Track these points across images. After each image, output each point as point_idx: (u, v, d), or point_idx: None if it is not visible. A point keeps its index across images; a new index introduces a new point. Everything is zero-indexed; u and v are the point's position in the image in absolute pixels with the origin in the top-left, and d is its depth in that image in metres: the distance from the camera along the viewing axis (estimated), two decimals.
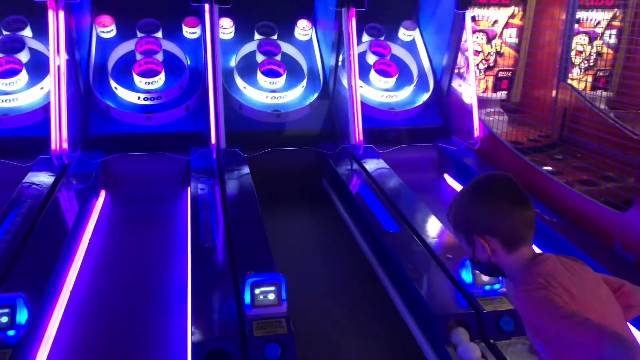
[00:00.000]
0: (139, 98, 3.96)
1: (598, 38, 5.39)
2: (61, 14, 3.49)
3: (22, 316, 1.95)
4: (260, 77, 4.25)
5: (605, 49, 5.48)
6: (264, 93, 4.21)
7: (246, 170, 3.54)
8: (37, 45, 3.98)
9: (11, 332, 1.91)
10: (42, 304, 2.16)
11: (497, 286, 2.31)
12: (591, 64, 5.47)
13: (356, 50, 4.03)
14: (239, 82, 4.23)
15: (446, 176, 4.18)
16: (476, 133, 4.16)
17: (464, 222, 1.48)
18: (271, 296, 2.07)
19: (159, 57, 4.15)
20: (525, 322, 1.36)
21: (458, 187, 4.00)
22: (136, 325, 2.44)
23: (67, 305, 2.46)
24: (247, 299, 2.06)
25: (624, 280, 1.56)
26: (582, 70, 5.44)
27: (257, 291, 2.06)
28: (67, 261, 2.64)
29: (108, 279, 2.77)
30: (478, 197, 1.45)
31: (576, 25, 4.98)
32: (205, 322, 2.07)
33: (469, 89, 4.31)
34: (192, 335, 1.99)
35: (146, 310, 2.52)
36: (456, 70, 4.52)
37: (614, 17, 5.38)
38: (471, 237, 1.45)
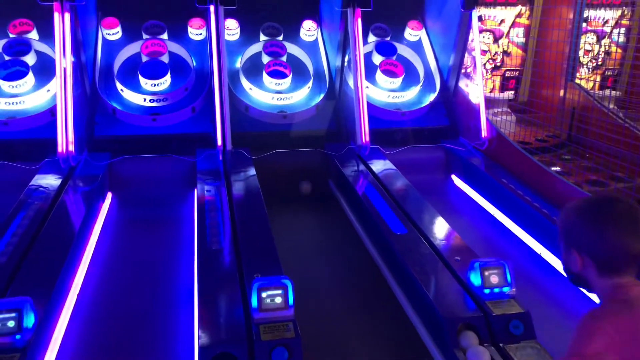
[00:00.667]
0: (145, 100, 3.96)
1: (606, 37, 5.35)
2: (67, 16, 3.49)
3: (29, 320, 1.94)
4: (266, 78, 4.24)
5: (613, 48, 5.44)
6: (270, 94, 4.20)
7: (252, 171, 3.53)
8: (43, 47, 3.99)
9: (18, 336, 1.90)
10: (49, 307, 2.16)
11: (506, 289, 2.28)
12: (599, 63, 5.43)
13: (362, 50, 4.01)
14: (245, 83, 4.22)
15: (453, 177, 4.15)
16: (484, 133, 4.13)
17: (568, 230, 1.52)
18: (278, 299, 2.05)
19: (165, 58, 4.14)
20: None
21: (465, 188, 3.97)
22: (143, 328, 2.43)
23: (74, 308, 2.46)
24: (254, 302, 2.05)
25: None
26: (590, 69, 5.40)
27: (264, 294, 2.05)
28: (74, 264, 2.64)
29: (115, 282, 2.77)
30: (592, 214, 1.48)
31: (584, 24, 4.94)
32: (212, 325, 2.06)
33: (476, 89, 4.28)
34: (199, 338, 1.98)
35: (153, 313, 2.52)
36: (463, 70, 4.49)
37: (622, 16, 5.34)
38: (569, 247, 1.51)
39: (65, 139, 3.43)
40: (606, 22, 5.23)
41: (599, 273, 1.46)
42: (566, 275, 1.59)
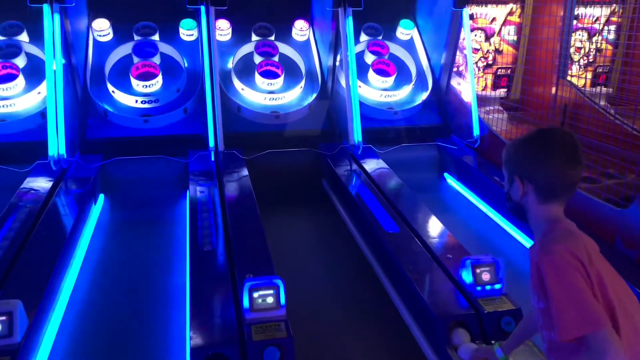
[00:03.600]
0: (136, 101, 3.95)
1: (597, 34, 5.37)
2: (57, 18, 3.48)
3: (20, 322, 1.93)
4: (258, 78, 4.23)
5: (604, 45, 5.46)
6: (262, 94, 4.20)
7: (245, 172, 3.53)
8: (33, 50, 3.98)
9: (9, 339, 1.89)
10: (40, 310, 2.15)
11: (497, 286, 2.29)
12: (590, 60, 5.45)
13: (354, 49, 4.01)
14: (237, 83, 4.22)
15: (446, 175, 4.16)
16: (476, 131, 4.15)
17: (510, 159, 1.58)
18: (270, 300, 2.05)
19: (156, 60, 4.13)
20: (533, 272, 1.48)
21: (458, 186, 3.98)
22: (135, 329, 2.43)
23: (65, 311, 2.45)
24: (246, 302, 2.05)
25: None
26: (582, 66, 5.42)
27: (255, 295, 2.05)
28: (65, 266, 2.63)
29: (107, 283, 2.77)
30: (533, 143, 1.53)
31: (575, 22, 4.95)
32: (204, 326, 2.06)
33: (468, 87, 4.29)
34: (191, 339, 1.98)
35: (145, 315, 2.51)
36: (455, 69, 4.50)
37: (612, 13, 5.36)
38: (511, 176, 1.57)
39: (56, 141, 3.42)
40: (597, 19, 5.25)
41: (539, 199, 1.52)
42: (507, 204, 1.65)
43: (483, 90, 5.26)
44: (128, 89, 3.99)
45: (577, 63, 5.38)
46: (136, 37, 4.28)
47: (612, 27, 5.40)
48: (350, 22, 3.96)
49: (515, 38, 5.27)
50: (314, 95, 4.31)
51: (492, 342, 2.04)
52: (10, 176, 3.34)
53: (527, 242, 3.14)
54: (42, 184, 3.25)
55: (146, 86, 3.98)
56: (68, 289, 2.57)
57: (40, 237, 2.67)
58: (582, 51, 5.39)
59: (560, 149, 1.49)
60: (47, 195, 3.13)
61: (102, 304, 2.60)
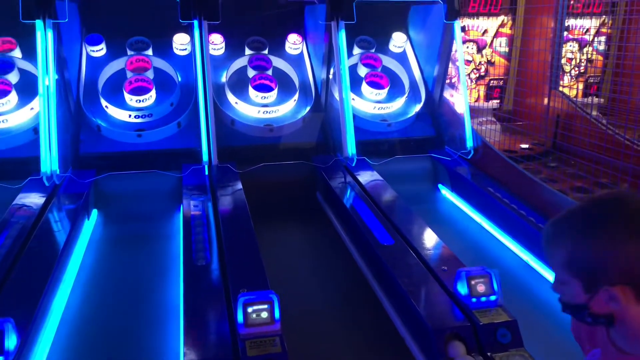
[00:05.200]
0: (130, 116, 3.94)
1: (588, 45, 5.43)
2: (50, 33, 3.48)
3: (10, 342, 1.91)
4: (251, 92, 4.24)
5: (595, 56, 5.51)
6: (256, 108, 4.20)
7: (239, 186, 3.52)
8: (26, 65, 3.97)
9: (1, 358, 1.87)
10: (32, 328, 2.12)
11: (493, 297, 2.28)
12: (582, 70, 5.50)
13: (347, 62, 4.03)
14: (231, 97, 4.23)
15: (440, 187, 4.17)
16: (469, 143, 4.16)
17: (588, 267, 1.11)
18: (264, 314, 2.04)
19: (150, 74, 4.14)
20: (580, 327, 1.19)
21: (452, 197, 3.99)
22: (129, 345, 2.40)
23: (58, 328, 2.42)
24: (240, 317, 2.03)
25: None
26: (573, 77, 5.47)
27: (249, 310, 2.03)
28: (58, 283, 2.60)
29: (100, 300, 2.74)
30: (609, 233, 1.09)
31: (565, 33, 5.01)
32: (198, 341, 2.04)
33: (461, 98, 4.31)
34: (184, 355, 1.96)
35: (138, 331, 2.49)
36: (447, 81, 4.53)
37: (602, 24, 5.42)
38: (591, 285, 1.11)
39: (49, 157, 3.41)
40: (587, 30, 5.31)
41: (638, 299, 1.09)
42: (582, 321, 1.18)
43: (476, 101, 5.30)
44: (121, 104, 3.98)
45: (568, 74, 5.43)
46: (129, 52, 4.29)
47: (603, 38, 5.47)
48: (343, 35, 3.98)
49: (507, 50, 5.33)
50: (308, 108, 4.32)
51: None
52: (2, 192, 3.31)
53: (522, 253, 3.14)
54: (34, 199, 3.23)
55: (139, 101, 3.98)
56: (60, 305, 2.55)
57: (32, 254, 2.64)
58: (574, 62, 5.45)
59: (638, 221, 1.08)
60: (40, 211, 3.10)
61: (95, 320, 2.57)
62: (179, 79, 4.22)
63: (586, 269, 1.11)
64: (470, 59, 5.28)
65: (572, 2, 5.03)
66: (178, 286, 2.62)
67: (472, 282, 2.27)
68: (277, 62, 4.51)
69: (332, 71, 4.29)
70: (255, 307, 2.03)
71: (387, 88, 4.46)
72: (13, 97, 3.76)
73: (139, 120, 3.95)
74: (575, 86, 5.33)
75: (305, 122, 4.28)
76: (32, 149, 3.52)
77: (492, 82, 5.36)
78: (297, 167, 3.98)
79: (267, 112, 4.21)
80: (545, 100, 4.69)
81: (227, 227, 2.93)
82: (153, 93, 4.04)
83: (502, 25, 5.27)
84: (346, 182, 3.75)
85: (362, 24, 4.16)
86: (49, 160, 3.41)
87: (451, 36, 4.30)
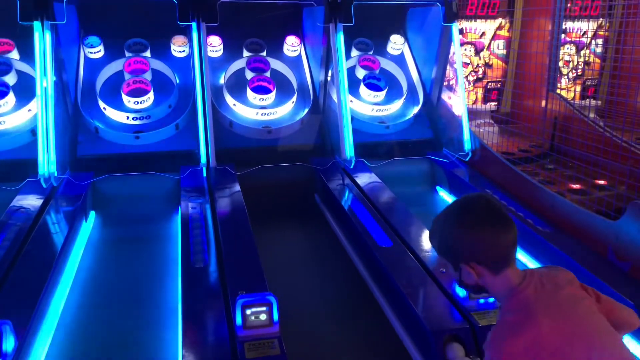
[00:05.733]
0: (128, 118, 3.94)
1: (585, 47, 5.44)
2: (48, 35, 3.47)
3: (8, 344, 1.90)
4: (250, 93, 4.24)
5: (592, 58, 5.53)
6: (254, 110, 4.20)
7: (237, 188, 3.52)
8: (24, 67, 3.96)
9: None
10: (29, 330, 2.12)
11: (491, 299, 2.28)
12: (579, 73, 5.52)
13: (345, 65, 4.04)
14: (229, 99, 4.23)
15: (438, 188, 4.17)
16: (467, 145, 4.17)
17: (448, 249, 1.52)
18: (263, 317, 2.04)
19: (148, 76, 4.13)
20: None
21: (450, 199, 3.99)
22: (127, 348, 2.39)
23: (56, 331, 2.41)
24: (239, 320, 2.03)
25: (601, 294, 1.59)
26: (571, 79, 5.48)
27: (248, 312, 2.03)
28: (55, 285, 2.60)
29: (98, 302, 2.73)
30: (461, 224, 1.48)
31: (563, 36, 5.02)
32: (196, 344, 2.04)
33: (459, 100, 4.32)
34: (183, 358, 1.95)
35: (137, 333, 2.48)
36: (445, 83, 4.54)
37: (600, 27, 5.44)
38: (457, 264, 1.51)
39: (47, 158, 3.40)
40: (584, 33, 5.33)
41: (494, 273, 1.48)
42: (465, 291, 1.63)
43: (474, 103, 5.31)
44: (119, 106, 3.98)
45: (566, 76, 5.44)
46: (127, 54, 4.28)
47: (600, 41, 5.48)
48: (341, 37, 3.99)
49: (504, 52, 5.34)
50: (306, 110, 4.33)
51: None
52: None
53: (519, 254, 3.14)
54: (32, 201, 3.22)
55: (137, 102, 3.98)
56: (58, 308, 2.54)
57: (30, 256, 2.64)
58: (571, 64, 5.46)
59: (485, 220, 1.45)
60: (37, 213, 3.10)
61: (92, 323, 2.56)
62: (177, 81, 4.21)
63: (449, 252, 1.52)
64: (468, 61, 5.30)
65: (569, 5, 5.05)
66: (176, 288, 2.62)
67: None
68: (275, 64, 4.52)
69: (330, 73, 4.30)
70: (254, 309, 2.04)
71: (385, 90, 4.46)
72: (10, 98, 3.75)
73: (137, 122, 3.95)
74: (572, 88, 5.35)
75: (303, 124, 4.28)
76: (29, 151, 3.51)
77: (489, 84, 5.37)
78: (295, 169, 3.98)
79: (265, 114, 4.21)
80: (543, 103, 4.70)
81: (225, 229, 2.93)
82: (151, 95, 4.03)
83: (499, 27, 5.28)
84: (344, 184, 3.75)
85: (360, 26, 4.17)
86: (47, 162, 3.40)
87: (449, 38, 4.31)
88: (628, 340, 2.32)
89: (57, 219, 3.14)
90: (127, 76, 4.10)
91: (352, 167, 3.92)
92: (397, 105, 4.49)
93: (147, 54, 4.33)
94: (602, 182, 3.73)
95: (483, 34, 5.27)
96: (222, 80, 4.33)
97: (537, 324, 1.39)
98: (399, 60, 4.81)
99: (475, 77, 5.36)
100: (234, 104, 4.20)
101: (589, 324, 1.44)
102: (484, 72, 5.36)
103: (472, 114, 4.68)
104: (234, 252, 2.68)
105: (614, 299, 1.60)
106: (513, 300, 1.47)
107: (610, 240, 2.84)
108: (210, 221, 3.06)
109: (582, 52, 5.45)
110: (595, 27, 5.43)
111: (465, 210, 1.50)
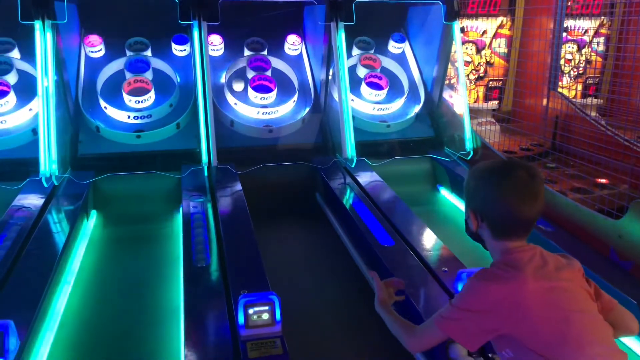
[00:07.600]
0: (129, 117, 3.94)
1: (586, 46, 5.44)
2: (49, 34, 3.47)
3: (11, 343, 1.90)
4: (251, 92, 4.24)
5: (594, 57, 5.52)
6: (255, 109, 4.20)
7: (238, 187, 3.51)
8: (25, 66, 3.96)
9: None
10: (32, 329, 2.12)
11: None
12: (581, 71, 5.51)
13: (346, 63, 4.03)
14: (230, 98, 4.22)
15: (440, 187, 4.16)
16: (468, 144, 4.16)
17: (469, 191, 1.59)
18: (265, 316, 2.03)
19: (149, 75, 4.13)
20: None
21: (452, 198, 3.99)
22: (129, 347, 2.39)
23: (58, 329, 2.41)
24: (241, 319, 2.02)
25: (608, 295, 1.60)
26: (572, 78, 5.47)
27: (250, 311, 2.03)
28: (57, 284, 2.60)
29: (100, 301, 2.73)
30: (488, 178, 1.53)
31: (564, 34, 5.01)
32: (198, 343, 2.03)
33: (460, 99, 4.32)
34: (185, 357, 1.95)
35: (139, 332, 2.47)
36: (447, 81, 4.53)
37: (601, 25, 5.43)
38: (467, 208, 1.61)
39: (48, 158, 3.40)
40: (586, 31, 5.32)
41: (493, 235, 1.54)
42: (466, 232, 1.68)
43: (475, 102, 5.31)
44: (120, 105, 3.98)
45: (567, 75, 5.44)
46: (128, 53, 4.28)
47: (601, 39, 5.47)
48: (342, 36, 3.98)
49: (505, 50, 5.34)
50: (307, 109, 4.32)
51: None
52: (1, 193, 3.30)
53: None
54: (33, 201, 3.22)
55: (138, 102, 3.98)
56: (60, 307, 2.54)
57: (32, 255, 2.63)
58: (572, 63, 5.46)
59: (514, 187, 1.47)
60: (39, 212, 3.10)
61: (94, 322, 2.56)
62: (178, 80, 4.21)
63: (467, 191, 1.60)
64: (470, 59, 5.29)
65: (570, 3, 5.04)
66: (178, 288, 2.62)
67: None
68: (277, 62, 4.51)
69: (331, 72, 4.29)
70: (256, 309, 2.03)
71: (387, 89, 4.46)
72: (12, 98, 3.75)
73: (138, 121, 3.94)
74: (574, 87, 5.34)
75: (304, 123, 4.28)
76: (31, 150, 3.51)
77: (491, 83, 5.37)
78: (296, 168, 3.98)
79: (266, 113, 4.21)
80: (544, 101, 4.70)
81: (226, 228, 2.93)
82: (152, 94, 4.03)
83: (501, 26, 5.27)
84: (346, 183, 3.75)
85: (362, 25, 4.16)
86: (48, 161, 3.40)
87: (450, 37, 4.30)
88: (628, 340, 2.32)
89: (58, 218, 3.14)
90: (128, 75, 4.08)
91: (353, 166, 3.92)
92: (398, 104, 4.49)
93: (148, 53, 4.33)
94: (603, 180, 3.73)
95: (484, 32, 5.26)
96: (223, 79, 4.33)
97: (524, 281, 1.42)
98: (401, 59, 4.80)
99: (476, 76, 5.35)
100: (235, 103, 4.20)
101: (581, 316, 1.44)
102: (485, 71, 5.36)
103: (474, 112, 4.68)
104: (236, 251, 2.68)
105: (617, 301, 1.60)
106: (506, 258, 1.51)
107: (612, 239, 2.84)
108: (212, 220, 3.05)
109: (584, 51, 5.45)
110: (596, 26, 5.42)
111: (498, 170, 1.52)
